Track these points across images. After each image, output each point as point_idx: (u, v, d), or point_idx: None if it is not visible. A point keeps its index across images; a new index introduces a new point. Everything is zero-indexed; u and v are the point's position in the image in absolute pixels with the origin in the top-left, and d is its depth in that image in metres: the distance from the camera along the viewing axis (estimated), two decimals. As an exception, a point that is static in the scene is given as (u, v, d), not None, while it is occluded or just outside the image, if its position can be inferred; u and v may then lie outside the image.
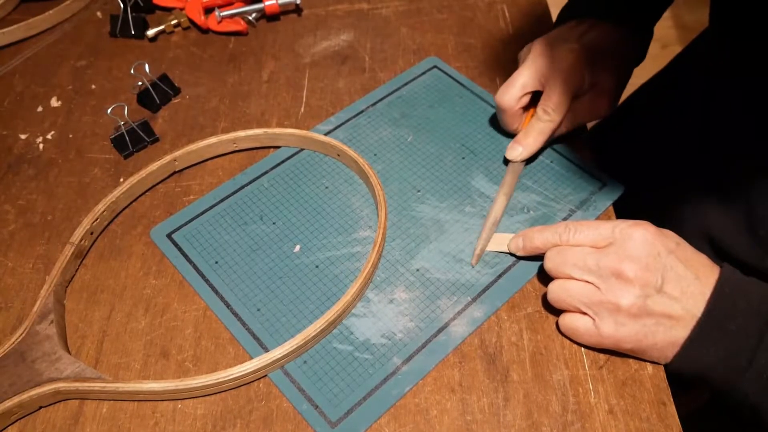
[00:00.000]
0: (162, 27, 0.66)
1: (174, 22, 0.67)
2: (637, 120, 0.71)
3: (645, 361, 0.44)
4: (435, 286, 0.48)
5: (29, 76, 0.64)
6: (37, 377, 0.42)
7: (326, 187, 0.54)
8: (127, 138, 0.57)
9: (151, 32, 0.66)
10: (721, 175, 0.56)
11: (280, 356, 0.43)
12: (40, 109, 0.61)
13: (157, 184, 0.55)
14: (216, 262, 0.49)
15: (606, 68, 0.53)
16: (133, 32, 0.66)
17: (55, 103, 0.61)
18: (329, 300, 0.47)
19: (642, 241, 0.41)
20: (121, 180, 0.55)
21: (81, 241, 0.49)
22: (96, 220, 0.50)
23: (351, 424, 0.41)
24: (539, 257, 0.47)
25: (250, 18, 0.67)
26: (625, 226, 0.42)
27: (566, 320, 0.44)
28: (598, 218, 0.52)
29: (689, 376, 0.42)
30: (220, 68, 0.64)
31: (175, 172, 0.55)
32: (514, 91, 0.52)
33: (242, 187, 0.54)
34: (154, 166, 0.53)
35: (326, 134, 0.57)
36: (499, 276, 0.48)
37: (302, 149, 0.57)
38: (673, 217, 0.58)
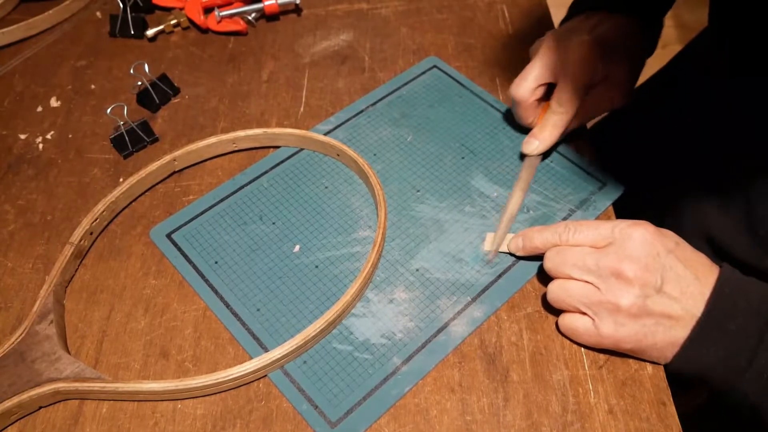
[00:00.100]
0: (161, 27, 0.66)
1: (173, 22, 0.67)
2: (637, 120, 0.71)
3: (645, 361, 0.44)
4: (435, 286, 0.48)
5: (29, 76, 0.64)
6: (37, 377, 0.42)
7: (326, 187, 0.54)
8: (126, 138, 0.57)
9: (150, 32, 0.66)
10: (721, 175, 0.56)
11: (279, 356, 0.43)
12: (39, 109, 0.61)
13: (157, 184, 0.55)
14: (216, 262, 0.49)
15: (618, 60, 0.53)
16: (132, 32, 0.66)
17: (54, 103, 0.61)
18: (329, 300, 0.47)
19: (641, 241, 0.41)
20: (121, 180, 0.55)
21: (80, 241, 0.49)
22: (95, 220, 0.50)
23: (351, 424, 0.41)
24: (539, 257, 0.47)
25: (250, 18, 0.67)
26: (624, 226, 0.42)
27: (566, 320, 0.44)
28: (597, 218, 0.52)
29: (689, 376, 0.42)
30: (220, 68, 0.64)
31: (174, 172, 0.55)
32: (527, 83, 0.52)
33: (242, 187, 0.54)
34: (153, 166, 0.53)
35: (326, 134, 0.57)
36: (499, 276, 0.48)
37: (302, 149, 0.57)
38: (673, 217, 0.58)
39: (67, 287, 0.48)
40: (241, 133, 0.55)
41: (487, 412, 0.42)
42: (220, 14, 0.66)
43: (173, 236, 0.51)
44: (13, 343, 0.43)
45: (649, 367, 0.44)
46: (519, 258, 0.49)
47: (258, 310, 0.47)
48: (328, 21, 0.69)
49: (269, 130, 0.56)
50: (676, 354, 0.41)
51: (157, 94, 0.60)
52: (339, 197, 0.53)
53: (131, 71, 0.61)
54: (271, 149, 0.57)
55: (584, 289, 0.42)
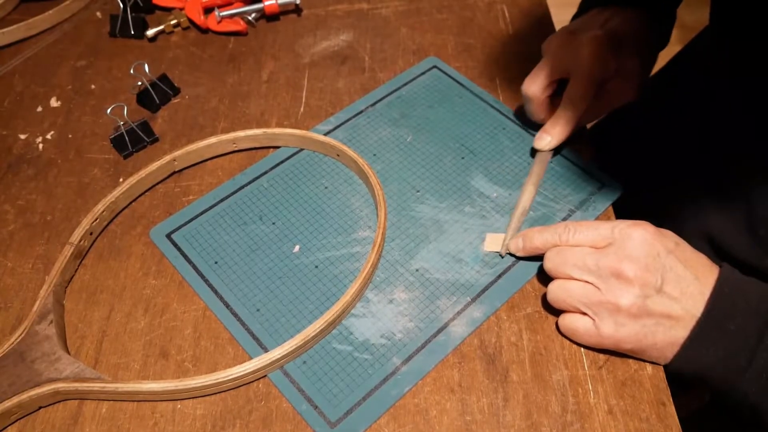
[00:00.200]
0: (161, 27, 0.66)
1: (173, 22, 0.67)
2: (637, 120, 0.71)
3: (644, 361, 0.44)
4: (434, 286, 0.48)
5: (29, 76, 0.64)
6: (37, 377, 0.42)
7: (326, 187, 0.54)
8: (126, 138, 0.57)
9: (150, 32, 0.66)
10: (721, 175, 0.56)
11: (279, 356, 0.43)
12: (39, 109, 0.61)
13: (157, 184, 0.55)
14: (215, 262, 0.49)
15: (630, 54, 0.53)
16: (132, 32, 0.66)
17: (54, 103, 0.61)
18: (329, 300, 0.47)
19: (641, 241, 0.41)
20: (121, 180, 0.55)
21: (80, 241, 0.49)
22: (95, 220, 0.50)
23: (350, 424, 0.41)
24: (539, 257, 0.47)
25: (250, 18, 0.67)
26: (624, 226, 0.42)
27: (566, 320, 0.44)
28: (597, 218, 0.52)
29: (689, 376, 0.42)
30: (220, 68, 0.64)
31: (174, 172, 0.55)
32: (539, 79, 0.52)
33: (242, 187, 0.54)
34: (153, 166, 0.53)
35: (326, 134, 0.57)
36: (499, 276, 0.48)
37: (302, 149, 0.57)
38: (673, 217, 0.58)
39: (66, 287, 0.48)
40: (241, 134, 0.55)
41: (486, 412, 0.42)
42: (221, 14, 0.66)
43: (173, 236, 0.51)
44: (12, 343, 0.43)
45: (649, 368, 0.44)
46: (519, 258, 0.49)
47: (258, 310, 0.47)
48: (328, 21, 0.69)
49: (269, 131, 0.56)
50: (675, 354, 0.41)
51: (157, 94, 0.60)
52: (339, 197, 0.53)
53: (131, 71, 0.61)
54: (271, 149, 0.57)
55: (584, 290, 0.42)
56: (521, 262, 0.49)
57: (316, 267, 0.49)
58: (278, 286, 0.48)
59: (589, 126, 0.60)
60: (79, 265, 0.50)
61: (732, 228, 0.53)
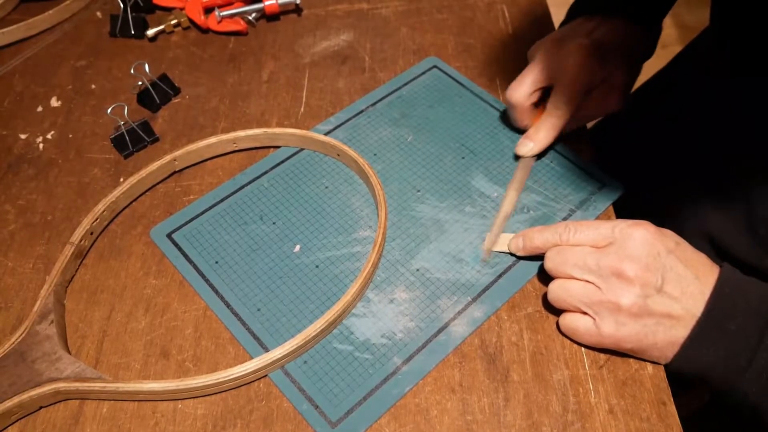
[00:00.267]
0: (162, 27, 0.66)
1: (174, 21, 0.67)
2: (637, 120, 0.71)
3: (645, 360, 0.44)
4: (435, 286, 0.48)
5: (29, 76, 0.64)
6: (37, 377, 0.42)
7: (326, 187, 0.54)
8: (127, 138, 0.57)
9: (151, 32, 0.66)
10: (721, 175, 0.56)
11: (280, 356, 0.43)
12: (40, 109, 0.61)
13: (157, 184, 0.55)
14: (216, 262, 0.49)
15: (616, 63, 0.53)
16: (133, 32, 0.66)
17: (55, 103, 0.61)
18: (329, 300, 0.47)
19: (642, 240, 0.41)
20: (121, 180, 0.55)
21: (81, 241, 0.49)
22: (96, 220, 0.50)
23: (351, 424, 0.41)
24: (539, 257, 0.47)
25: (250, 18, 0.67)
26: (624, 226, 0.42)
27: (566, 320, 0.44)
28: (598, 218, 0.52)
29: (689, 376, 0.42)
30: (220, 68, 0.64)
31: (175, 172, 0.55)
32: (524, 87, 0.52)
33: (242, 187, 0.54)
34: (154, 166, 0.53)
35: (326, 134, 0.57)
36: (500, 276, 0.48)
37: (302, 149, 0.57)
38: (673, 217, 0.58)
39: (67, 287, 0.48)
40: (241, 133, 0.55)
41: (487, 411, 0.42)
42: (221, 14, 0.66)
43: (174, 236, 0.51)
44: (13, 343, 0.43)
45: (650, 367, 0.44)
46: (519, 258, 0.49)
47: (258, 309, 0.47)
48: (329, 21, 0.69)
49: (269, 130, 0.56)
50: (676, 354, 0.41)
51: (157, 94, 0.60)
52: (339, 197, 0.53)
53: (132, 71, 0.61)
54: (272, 149, 0.57)
55: (585, 289, 0.42)
56: (522, 261, 0.49)
57: (317, 267, 0.49)
58: (279, 285, 0.48)
59: (589, 126, 0.60)
60: (79, 265, 0.50)
61: (732, 228, 0.54)
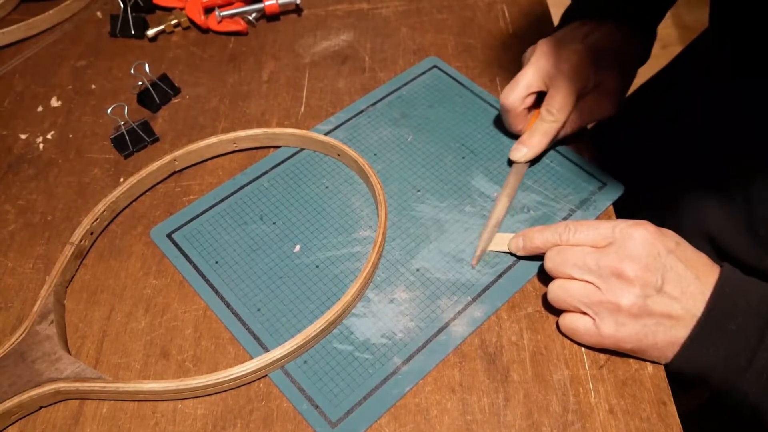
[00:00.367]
0: (162, 27, 0.66)
1: (174, 22, 0.67)
2: (638, 120, 0.71)
3: (645, 360, 0.44)
4: (435, 285, 0.48)
5: (29, 76, 0.64)
6: (37, 377, 0.42)
7: (326, 187, 0.54)
8: (127, 138, 0.57)
9: (151, 32, 0.66)
10: (721, 175, 0.56)
11: (280, 356, 0.43)
12: (40, 109, 0.61)
13: (157, 184, 0.55)
14: (216, 262, 0.49)
15: (610, 69, 0.53)
16: (133, 32, 0.66)
17: (55, 103, 0.61)
18: (329, 300, 0.47)
19: (642, 240, 0.41)
20: (121, 180, 0.55)
21: (81, 241, 0.49)
22: (96, 220, 0.50)
23: (351, 424, 0.41)
24: (539, 257, 0.47)
25: (250, 18, 0.67)
26: (625, 226, 0.42)
27: (566, 320, 0.44)
28: (598, 218, 0.52)
29: (689, 376, 0.42)
30: (220, 68, 0.64)
31: (175, 172, 0.55)
32: (518, 91, 0.52)
33: (242, 187, 0.54)
34: (154, 166, 0.53)
35: (326, 134, 0.57)
36: (500, 276, 0.48)
37: (302, 149, 0.57)
38: (673, 217, 0.58)
39: (67, 287, 0.48)
40: (241, 133, 0.55)
41: (487, 411, 0.42)
42: (221, 14, 0.66)
43: (174, 236, 0.51)
44: (13, 343, 0.43)
45: (650, 367, 0.44)
46: (519, 258, 0.49)
47: (258, 309, 0.47)
48: (329, 21, 0.69)
49: (269, 130, 0.56)
50: (676, 354, 0.41)
51: (157, 94, 0.60)
52: (339, 197, 0.53)
53: (132, 71, 0.61)
54: (272, 149, 0.57)
55: (585, 289, 0.42)
56: (521, 261, 0.49)
57: (317, 267, 0.49)
58: (279, 285, 0.48)
59: (589, 126, 0.60)
60: (79, 265, 0.50)
61: (732, 228, 0.54)
